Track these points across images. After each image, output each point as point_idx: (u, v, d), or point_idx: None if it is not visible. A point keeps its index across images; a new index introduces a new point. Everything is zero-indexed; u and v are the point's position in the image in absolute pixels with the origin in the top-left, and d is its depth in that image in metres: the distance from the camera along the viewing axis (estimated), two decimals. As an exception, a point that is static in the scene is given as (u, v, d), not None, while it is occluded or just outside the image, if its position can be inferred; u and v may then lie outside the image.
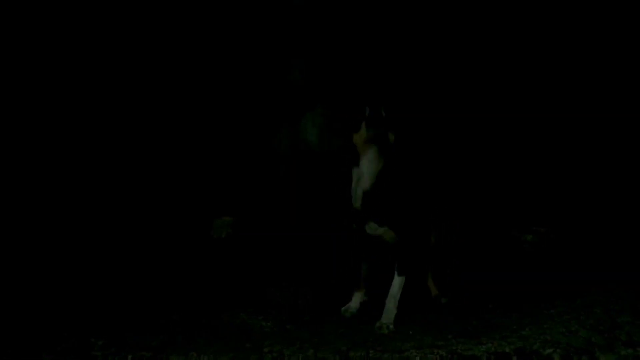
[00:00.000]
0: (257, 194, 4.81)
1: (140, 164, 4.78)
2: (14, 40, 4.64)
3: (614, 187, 4.78)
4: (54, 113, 4.71)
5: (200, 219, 4.69)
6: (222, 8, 4.93)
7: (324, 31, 4.90)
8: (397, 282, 3.31)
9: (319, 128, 4.80)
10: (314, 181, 4.68)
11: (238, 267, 4.24)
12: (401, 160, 3.38)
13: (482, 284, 3.92)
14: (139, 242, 4.42)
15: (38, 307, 3.46)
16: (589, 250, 4.40)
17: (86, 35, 4.76)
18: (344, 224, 3.44)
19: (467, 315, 3.40)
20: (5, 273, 3.89)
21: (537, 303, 3.46)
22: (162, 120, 4.87)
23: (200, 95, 4.93)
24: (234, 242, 4.60)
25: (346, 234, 3.49)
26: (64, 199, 4.58)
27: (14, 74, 4.63)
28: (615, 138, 4.87)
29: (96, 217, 4.57)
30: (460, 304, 3.68)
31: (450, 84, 4.97)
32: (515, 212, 4.78)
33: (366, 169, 3.24)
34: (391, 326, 3.24)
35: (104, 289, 3.79)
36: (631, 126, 4.82)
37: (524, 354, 2.70)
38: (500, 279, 4.04)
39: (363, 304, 3.55)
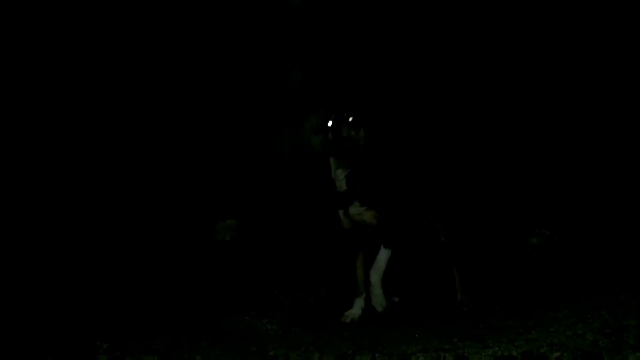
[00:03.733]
0: (260, 197, 4.80)
1: (144, 167, 4.78)
2: (15, 40, 4.64)
3: (619, 189, 4.77)
4: (54, 113, 4.70)
5: (204, 222, 4.68)
6: (225, 15, 4.93)
7: (323, 34, 4.90)
8: (383, 254, 3.33)
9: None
10: (317, 184, 4.68)
11: (242, 269, 4.23)
12: (385, 153, 3.47)
13: (487, 287, 3.90)
14: (143, 245, 4.42)
15: (42, 310, 3.45)
16: (593, 252, 4.39)
17: (95, 37, 4.77)
18: (333, 213, 3.47)
19: (473, 319, 3.38)
20: (9, 276, 3.88)
21: (542, 306, 3.44)
22: (167, 124, 4.88)
23: (203, 100, 4.94)
24: (237, 245, 4.59)
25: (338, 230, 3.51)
26: (67, 201, 4.58)
27: (14, 75, 4.63)
28: (620, 140, 4.87)
29: (100, 220, 4.57)
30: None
31: (452, 83, 4.97)
32: (520, 215, 4.77)
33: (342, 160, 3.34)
34: (381, 306, 3.30)
35: (108, 292, 3.78)
36: (636, 128, 4.82)
37: (531, 358, 2.68)
38: (506, 282, 4.03)
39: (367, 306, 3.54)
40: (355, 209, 3.38)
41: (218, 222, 4.70)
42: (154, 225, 4.60)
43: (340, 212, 3.43)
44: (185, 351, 2.91)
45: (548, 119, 4.97)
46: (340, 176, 3.35)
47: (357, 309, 3.50)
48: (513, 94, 4.99)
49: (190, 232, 4.63)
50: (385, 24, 4.98)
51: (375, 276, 3.34)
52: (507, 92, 4.99)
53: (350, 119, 3.30)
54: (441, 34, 5.01)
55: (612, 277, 3.83)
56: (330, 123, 3.31)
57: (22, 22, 4.67)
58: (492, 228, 4.68)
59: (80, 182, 4.68)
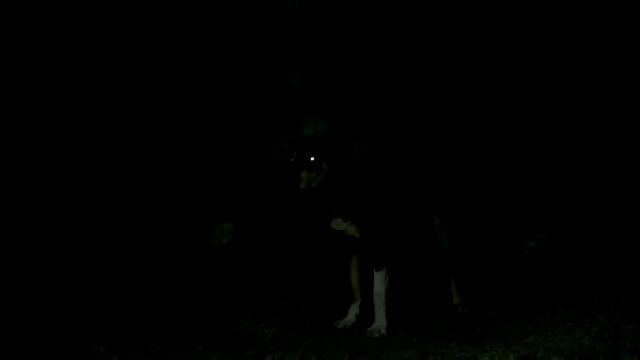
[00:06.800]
0: (257, 200, 4.80)
1: (142, 170, 4.77)
2: (15, 40, 4.64)
3: (617, 194, 4.78)
4: (54, 114, 4.70)
5: (201, 226, 4.68)
6: (224, 17, 4.94)
7: (322, 36, 4.90)
8: (378, 277, 3.31)
9: (319, 134, 4.79)
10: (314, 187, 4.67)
11: (239, 273, 4.22)
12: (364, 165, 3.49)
13: (485, 291, 3.91)
14: (140, 248, 4.41)
15: (39, 314, 3.45)
16: (591, 257, 4.39)
17: (95, 37, 4.77)
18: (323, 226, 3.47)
19: (470, 323, 3.38)
20: (7, 279, 3.87)
21: (540, 310, 3.45)
22: (165, 126, 4.87)
23: (202, 102, 4.94)
24: (235, 248, 4.58)
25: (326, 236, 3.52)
26: (66, 205, 4.57)
27: (14, 74, 4.62)
28: (617, 144, 4.87)
29: (98, 223, 4.56)
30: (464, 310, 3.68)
31: (451, 87, 4.97)
32: (518, 220, 4.78)
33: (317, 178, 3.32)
34: (383, 329, 3.24)
35: (106, 295, 3.77)
36: (633, 130, 4.82)
37: (528, 362, 2.69)
38: (503, 286, 4.03)
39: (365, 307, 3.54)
40: (336, 225, 3.39)
41: (215, 225, 4.69)
42: (151, 228, 4.59)
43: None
44: (183, 355, 2.91)
45: (545, 124, 4.97)
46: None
47: (351, 316, 3.51)
48: (511, 99, 4.99)
49: (188, 235, 4.62)
50: (385, 25, 4.99)
51: (379, 301, 3.31)
52: (505, 98, 4.99)
53: (312, 158, 3.27)
54: (441, 36, 5.01)
55: (609, 282, 3.83)
56: (292, 160, 3.29)
57: (22, 22, 4.67)
58: (490, 232, 4.68)
59: (79, 185, 4.67)
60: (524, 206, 4.84)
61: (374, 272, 3.32)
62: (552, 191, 4.88)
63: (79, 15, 4.78)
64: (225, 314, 3.52)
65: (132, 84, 4.84)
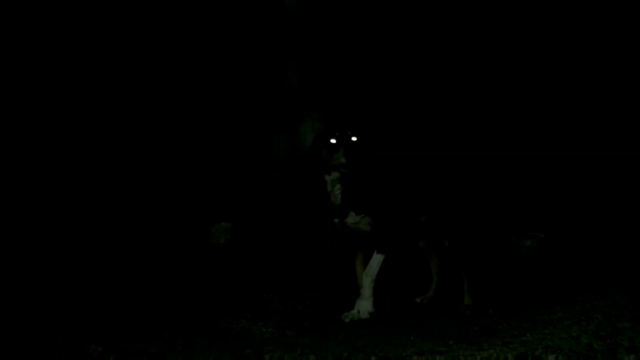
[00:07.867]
0: (255, 199, 4.80)
1: (139, 169, 4.77)
2: (15, 40, 4.64)
3: (614, 192, 4.78)
4: (53, 114, 4.70)
5: (198, 225, 4.68)
6: (221, 16, 4.94)
7: (320, 35, 4.91)
8: (376, 259, 3.37)
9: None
10: (312, 185, 4.68)
11: (237, 272, 4.23)
12: (377, 159, 3.54)
13: (482, 289, 3.91)
14: (138, 248, 4.41)
15: (37, 314, 3.45)
16: (588, 255, 4.40)
17: (93, 37, 4.77)
18: (329, 221, 3.54)
19: (468, 321, 3.39)
20: (5, 279, 3.87)
21: (537, 308, 3.46)
22: (162, 125, 4.87)
23: (198, 102, 4.94)
24: (232, 248, 4.59)
25: (332, 230, 3.60)
26: (63, 204, 4.57)
27: (14, 74, 4.62)
28: (615, 142, 4.88)
29: (95, 223, 4.56)
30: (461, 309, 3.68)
31: (447, 85, 4.98)
32: (514, 218, 4.78)
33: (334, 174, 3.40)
34: (367, 312, 3.32)
35: (103, 295, 3.78)
36: (631, 129, 4.83)
37: (526, 360, 2.69)
38: (501, 284, 4.04)
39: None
40: (352, 219, 3.44)
41: (213, 224, 4.70)
42: (148, 227, 4.59)
43: (336, 221, 3.50)
44: (180, 354, 2.91)
45: (545, 121, 4.98)
46: (336, 192, 3.41)
47: (356, 309, 3.50)
48: (510, 98, 5.00)
49: (185, 234, 4.63)
50: (383, 24, 4.99)
51: (367, 280, 3.37)
52: (504, 96, 5.00)
53: (354, 138, 3.34)
54: (441, 35, 5.01)
55: (606, 280, 3.84)
56: (333, 140, 3.34)
57: (22, 22, 4.67)
58: (487, 230, 4.68)
59: (77, 184, 4.67)
60: (521, 204, 4.84)
61: (374, 253, 3.37)
62: (550, 189, 4.88)
63: (78, 15, 4.78)
64: (223, 314, 3.53)
65: (130, 83, 4.84)
